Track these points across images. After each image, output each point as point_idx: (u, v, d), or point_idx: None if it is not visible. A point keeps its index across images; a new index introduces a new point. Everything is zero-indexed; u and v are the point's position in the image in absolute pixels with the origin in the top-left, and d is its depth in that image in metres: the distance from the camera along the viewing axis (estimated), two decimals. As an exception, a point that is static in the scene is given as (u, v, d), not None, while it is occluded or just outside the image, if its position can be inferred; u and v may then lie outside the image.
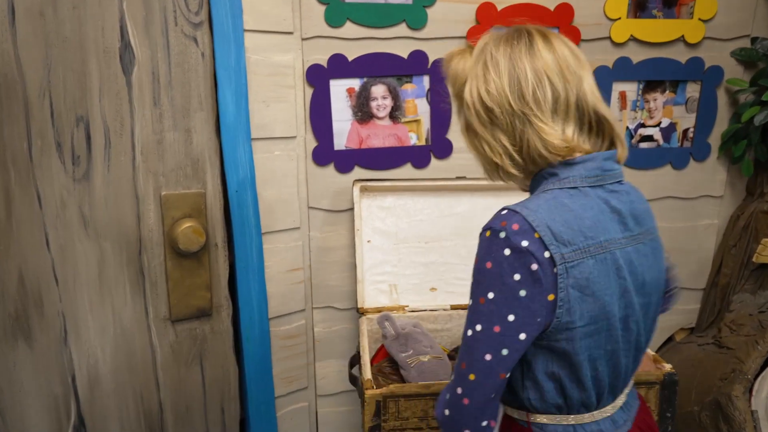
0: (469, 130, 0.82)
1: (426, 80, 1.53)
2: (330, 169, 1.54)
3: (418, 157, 1.57)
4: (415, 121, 1.55)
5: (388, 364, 1.33)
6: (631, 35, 1.57)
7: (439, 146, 1.57)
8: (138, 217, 1.25)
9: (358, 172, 1.55)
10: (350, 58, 1.47)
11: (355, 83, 1.50)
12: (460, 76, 0.83)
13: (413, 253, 1.54)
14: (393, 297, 1.50)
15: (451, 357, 1.38)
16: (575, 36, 1.53)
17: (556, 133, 0.76)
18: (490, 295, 0.71)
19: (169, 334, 1.35)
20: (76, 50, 1.11)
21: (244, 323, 1.49)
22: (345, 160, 1.54)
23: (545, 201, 0.74)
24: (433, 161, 1.58)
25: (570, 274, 0.71)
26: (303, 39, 1.43)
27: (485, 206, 1.58)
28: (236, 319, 1.48)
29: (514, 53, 0.77)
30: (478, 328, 0.72)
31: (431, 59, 1.51)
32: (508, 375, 0.73)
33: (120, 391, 1.32)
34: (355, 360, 1.33)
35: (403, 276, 1.52)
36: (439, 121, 1.56)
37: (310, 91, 1.47)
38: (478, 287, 0.73)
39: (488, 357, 0.71)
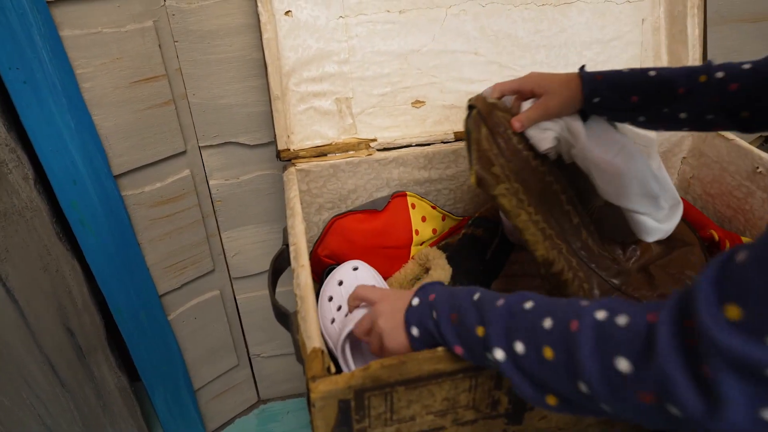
0: None
1: None
2: None
3: None
4: None
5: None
6: None
7: None
8: None
9: None
10: None
11: None
12: None
13: (377, 34, 0.79)
14: (345, 123, 0.79)
15: (474, 234, 0.73)
16: None
17: None
18: None
19: None
20: None
21: (63, 191, 0.78)
22: None
23: None
24: None
25: None
26: None
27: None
28: (50, 190, 0.78)
29: None
30: None
31: None
32: None
33: None
34: (281, 264, 0.65)
35: (361, 81, 0.79)
36: None
37: None
38: None
39: None
